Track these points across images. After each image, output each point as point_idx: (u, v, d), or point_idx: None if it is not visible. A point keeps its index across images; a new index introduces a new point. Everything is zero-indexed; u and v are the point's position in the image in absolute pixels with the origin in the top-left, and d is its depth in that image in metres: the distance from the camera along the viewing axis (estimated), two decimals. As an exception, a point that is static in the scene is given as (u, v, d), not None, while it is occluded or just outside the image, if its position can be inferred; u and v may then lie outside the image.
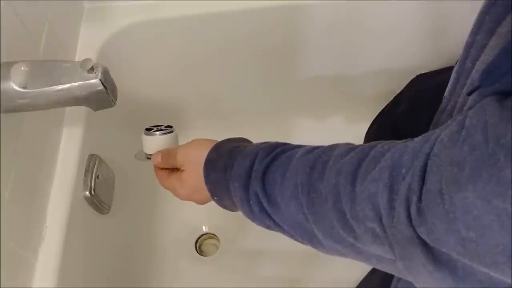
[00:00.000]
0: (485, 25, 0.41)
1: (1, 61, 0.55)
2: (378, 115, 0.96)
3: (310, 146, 0.47)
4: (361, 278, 0.85)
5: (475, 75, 0.40)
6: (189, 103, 1.11)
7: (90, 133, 0.79)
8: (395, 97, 0.93)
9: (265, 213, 0.47)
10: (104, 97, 0.55)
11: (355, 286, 0.87)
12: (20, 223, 0.62)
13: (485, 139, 0.30)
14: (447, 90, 0.50)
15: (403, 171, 0.36)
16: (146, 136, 0.63)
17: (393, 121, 0.89)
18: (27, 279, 0.62)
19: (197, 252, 1.06)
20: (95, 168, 0.78)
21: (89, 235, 0.79)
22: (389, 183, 0.37)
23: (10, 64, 0.53)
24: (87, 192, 0.76)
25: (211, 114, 1.15)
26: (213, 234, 1.08)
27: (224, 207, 0.54)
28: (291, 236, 0.47)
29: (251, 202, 0.48)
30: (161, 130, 0.62)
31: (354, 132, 1.01)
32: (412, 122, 0.65)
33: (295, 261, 1.01)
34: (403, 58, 1.03)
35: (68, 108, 0.78)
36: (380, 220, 0.37)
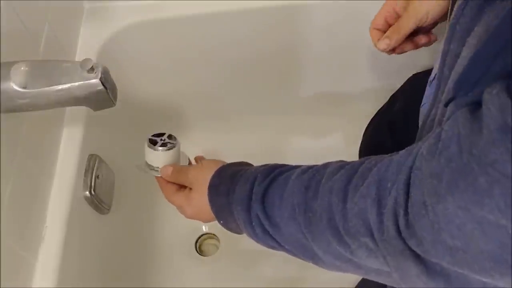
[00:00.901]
0: (456, 35, 0.41)
1: (1, 61, 0.55)
2: (375, 115, 0.96)
3: (306, 166, 0.49)
4: (361, 278, 0.85)
5: (450, 85, 0.41)
6: (190, 103, 1.11)
7: (90, 133, 0.79)
8: (391, 97, 0.94)
9: (267, 234, 0.49)
10: (104, 97, 0.55)
11: (354, 286, 0.87)
12: (20, 223, 0.62)
13: (459, 150, 0.31)
14: (430, 96, 0.50)
15: (389, 185, 0.37)
16: (150, 150, 0.63)
17: (389, 119, 0.89)
18: (27, 279, 0.62)
19: (197, 252, 1.06)
20: (95, 168, 0.78)
21: (89, 235, 0.79)
22: (376, 198, 0.38)
23: (10, 64, 0.53)
24: (87, 192, 0.76)
25: (212, 115, 1.15)
26: (213, 234, 1.08)
27: (230, 230, 0.55)
28: (294, 255, 0.49)
29: (253, 224, 0.49)
30: (164, 144, 0.63)
31: (354, 133, 1.02)
32: (408, 119, 0.66)
33: (295, 261, 1.01)
34: (402, 57, 1.03)
35: (68, 108, 0.78)
36: (371, 235, 0.38)
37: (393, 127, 0.87)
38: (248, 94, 1.12)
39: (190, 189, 0.59)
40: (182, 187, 0.61)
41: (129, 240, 0.98)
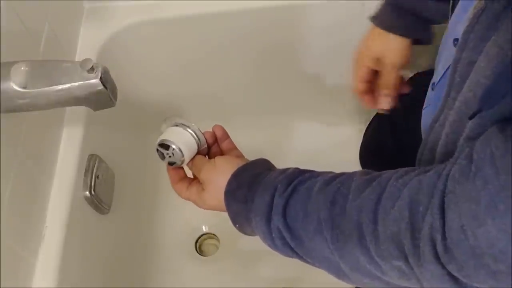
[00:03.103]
0: (469, 43, 0.41)
1: (1, 61, 0.55)
2: (375, 116, 0.96)
3: (327, 175, 0.48)
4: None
5: (468, 94, 0.41)
6: (190, 103, 1.11)
7: (90, 133, 0.79)
8: None
9: (288, 247, 0.48)
10: (104, 97, 0.55)
11: (354, 286, 0.87)
12: (20, 223, 0.62)
13: (495, 172, 0.31)
14: (436, 101, 0.50)
15: (421, 209, 0.37)
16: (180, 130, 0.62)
17: (390, 120, 0.89)
18: (27, 279, 0.62)
19: (197, 252, 1.06)
20: (95, 168, 0.78)
21: (89, 235, 0.79)
22: (409, 222, 0.37)
23: (10, 64, 0.53)
24: (87, 192, 0.76)
25: (212, 115, 1.15)
26: (213, 234, 1.07)
27: (245, 233, 0.55)
28: (317, 267, 0.48)
29: (273, 235, 0.48)
30: (171, 157, 0.59)
31: (355, 132, 1.02)
32: (408, 120, 0.66)
33: (295, 261, 1.01)
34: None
35: (68, 108, 0.78)
36: (406, 259, 0.38)
37: (393, 128, 0.86)
38: (249, 94, 1.12)
39: (203, 189, 0.57)
40: (194, 180, 0.60)
41: (129, 240, 0.98)
